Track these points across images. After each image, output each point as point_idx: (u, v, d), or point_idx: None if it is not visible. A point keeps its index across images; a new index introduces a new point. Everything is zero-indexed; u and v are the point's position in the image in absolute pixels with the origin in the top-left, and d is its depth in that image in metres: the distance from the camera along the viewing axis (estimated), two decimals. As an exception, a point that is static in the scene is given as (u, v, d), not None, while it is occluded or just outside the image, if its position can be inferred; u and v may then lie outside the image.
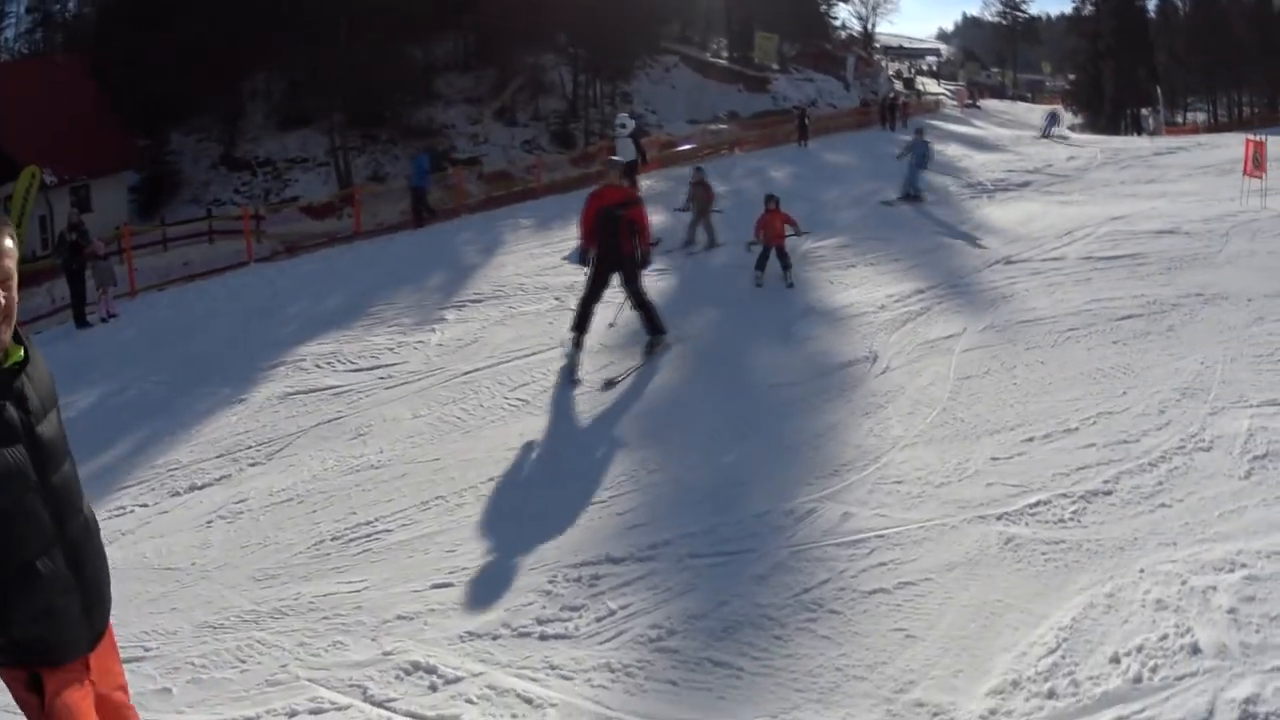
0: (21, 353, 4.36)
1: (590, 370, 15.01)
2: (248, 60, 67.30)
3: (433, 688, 7.00)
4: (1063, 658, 6.80)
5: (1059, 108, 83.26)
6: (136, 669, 7.77)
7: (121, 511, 11.63)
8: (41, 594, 4.37)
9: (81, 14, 77.89)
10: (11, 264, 4.26)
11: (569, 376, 14.66)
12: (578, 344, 15.09)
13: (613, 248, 14.92)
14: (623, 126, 34.31)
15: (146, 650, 8.11)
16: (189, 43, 61.52)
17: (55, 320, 30.26)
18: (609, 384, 14.20)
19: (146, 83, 61.48)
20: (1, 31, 77.54)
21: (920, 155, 31.43)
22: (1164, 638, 7.03)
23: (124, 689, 5.08)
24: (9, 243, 4.27)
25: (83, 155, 54.80)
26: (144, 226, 50.00)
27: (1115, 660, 6.76)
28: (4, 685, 4.65)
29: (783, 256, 20.36)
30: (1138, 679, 6.56)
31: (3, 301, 4.23)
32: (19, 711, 4.52)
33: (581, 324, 15.10)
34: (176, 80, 61.86)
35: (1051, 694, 6.41)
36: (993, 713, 6.24)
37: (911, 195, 30.44)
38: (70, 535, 4.52)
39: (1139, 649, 6.88)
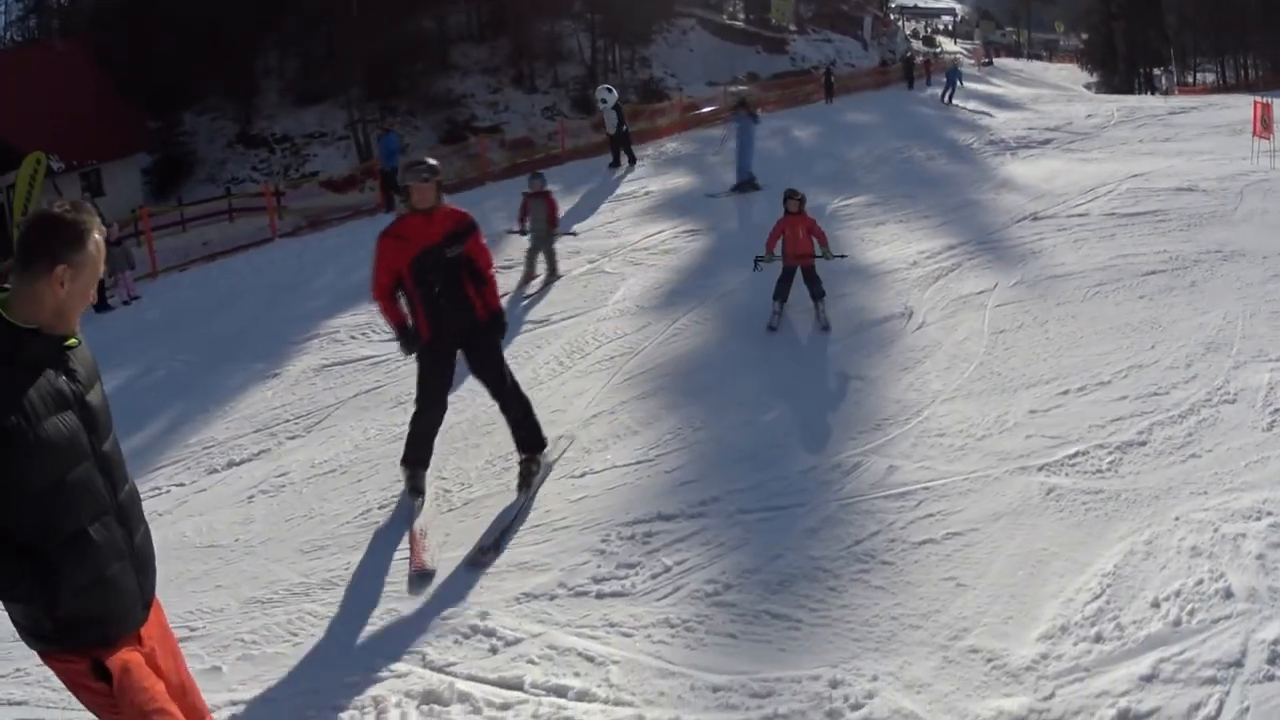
0: (75, 339, 4.56)
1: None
2: (258, 38, 67.00)
3: (493, 650, 7.07)
4: (1107, 603, 6.92)
5: (959, 58, 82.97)
6: (184, 649, 7.64)
7: (158, 492, 11.60)
8: (94, 561, 4.46)
9: None
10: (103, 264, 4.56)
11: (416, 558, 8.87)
12: (417, 485, 9.94)
13: (454, 313, 9.66)
14: (603, 101, 33.79)
15: (193, 630, 8.12)
16: (194, 23, 61.38)
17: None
18: (482, 554, 8.72)
19: (152, 64, 61.32)
20: None
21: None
22: (1199, 583, 7.18)
23: (177, 657, 5.21)
24: (101, 237, 4.52)
25: (90, 139, 54.36)
26: (162, 207, 49.84)
27: (1156, 605, 6.90)
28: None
29: (812, 281, 14.69)
30: (1177, 622, 6.69)
31: (96, 297, 4.59)
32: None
33: (421, 453, 10.05)
34: (184, 61, 61.66)
35: (1098, 638, 6.53)
36: (1044, 657, 6.35)
37: (746, 184, 26.96)
38: (120, 502, 4.66)
39: (1177, 593, 7.03)
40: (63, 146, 51.75)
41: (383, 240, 9.76)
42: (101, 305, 25.22)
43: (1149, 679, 6.09)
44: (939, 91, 47.65)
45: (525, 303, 17.63)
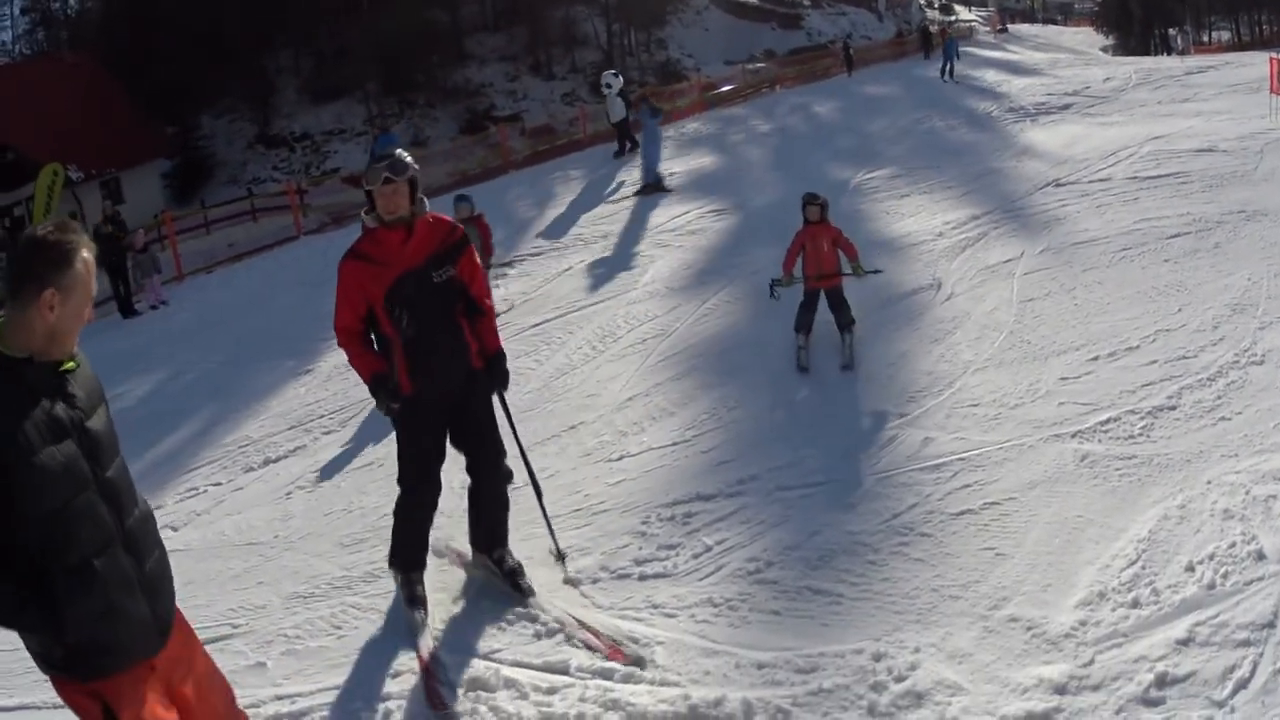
0: (73, 363, 4.45)
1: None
2: (268, 38, 67.08)
3: (537, 635, 7.07)
4: (1143, 568, 6.97)
5: (964, 26, 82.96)
6: (226, 646, 7.85)
7: (194, 492, 11.69)
8: (100, 592, 4.34)
9: (85, 9, 77.33)
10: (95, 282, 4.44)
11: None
12: (415, 594, 7.68)
13: (445, 359, 7.52)
14: (608, 86, 32.77)
15: (235, 627, 8.17)
16: (200, 26, 61.55)
17: (99, 312, 30.30)
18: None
19: (163, 70, 61.32)
20: None
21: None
22: (1232, 545, 7.24)
23: (209, 676, 5.08)
24: (92, 259, 4.41)
25: (108, 148, 54.55)
26: (184, 211, 49.94)
27: (1190, 569, 6.95)
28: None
29: (839, 307, 12.56)
30: (1211, 585, 6.75)
31: (93, 317, 4.50)
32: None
33: (415, 552, 7.84)
34: (194, 65, 61.77)
35: (1135, 603, 6.58)
36: (1083, 624, 6.40)
37: (654, 185, 25.10)
38: (129, 529, 4.53)
39: (1211, 557, 7.08)
40: (80, 156, 51.98)
41: (346, 264, 7.38)
42: (129, 311, 25.50)
43: (1185, 643, 6.15)
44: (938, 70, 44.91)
45: (546, 288, 17.59)
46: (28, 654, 4.43)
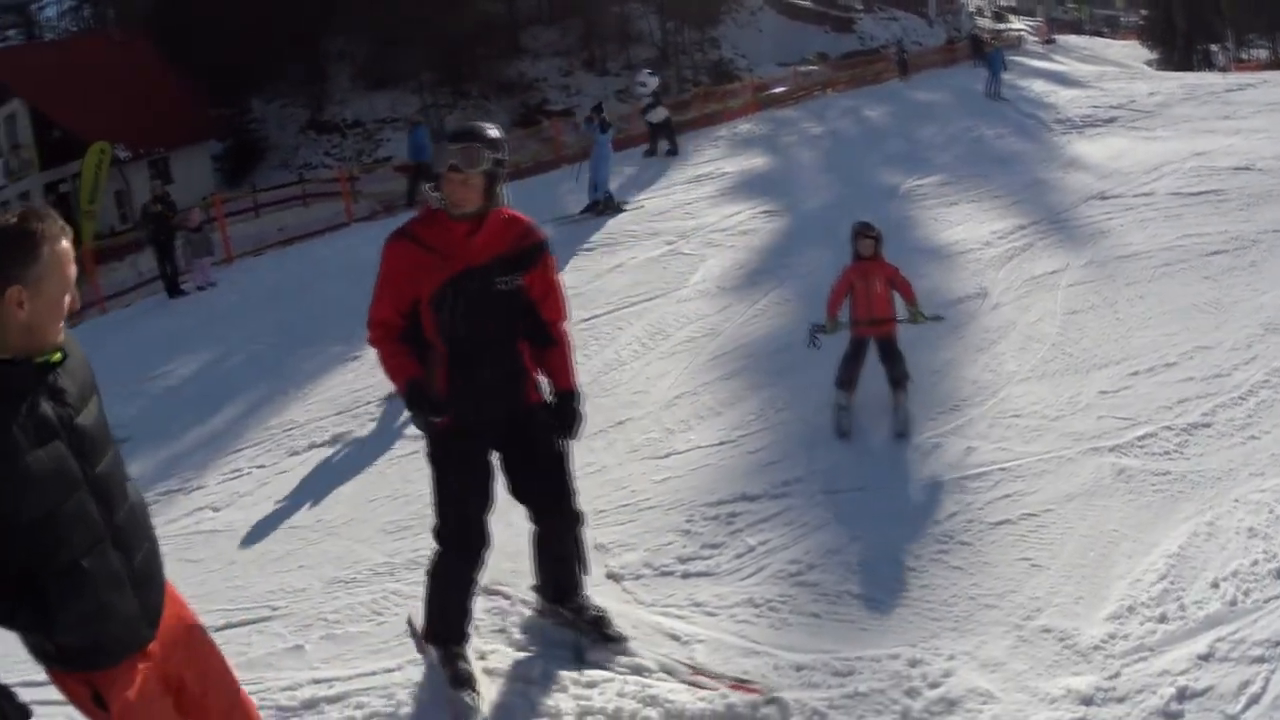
0: (59, 354, 4.18)
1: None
2: (323, 23, 67.10)
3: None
4: (1171, 584, 7.02)
5: (1019, 35, 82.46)
6: (265, 628, 7.96)
7: (238, 474, 11.86)
8: (90, 594, 4.22)
9: None
10: (74, 268, 4.18)
11: None
12: (460, 672, 6.44)
13: (494, 388, 6.30)
14: (643, 85, 32.00)
15: (274, 609, 8.23)
16: (255, 9, 61.63)
17: (145, 292, 30.30)
18: None
19: (215, 52, 61.28)
20: (42, 10, 77.20)
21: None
22: (1254, 563, 7.29)
23: (207, 658, 4.96)
24: (67, 244, 4.13)
25: (157, 128, 54.56)
26: (234, 193, 50.00)
27: (1215, 585, 7.00)
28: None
29: (892, 359, 10.73)
30: (1233, 602, 6.80)
31: (77, 305, 4.21)
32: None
33: (457, 621, 6.57)
34: (248, 48, 61.83)
35: (1162, 618, 6.64)
36: (1111, 637, 6.46)
37: (601, 203, 23.96)
38: (118, 524, 4.36)
39: (1234, 574, 7.13)
40: (128, 135, 52.18)
41: (395, 244, 6.20)
42: (175, 291, 25.63)
43: (1206, 658, 6.21)
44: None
45: (596, 283, 17.60)
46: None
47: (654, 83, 31.92)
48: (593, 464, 10.13)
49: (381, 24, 66.10)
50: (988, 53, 43.67)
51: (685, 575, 7.89)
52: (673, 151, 31.16)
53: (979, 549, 7.71)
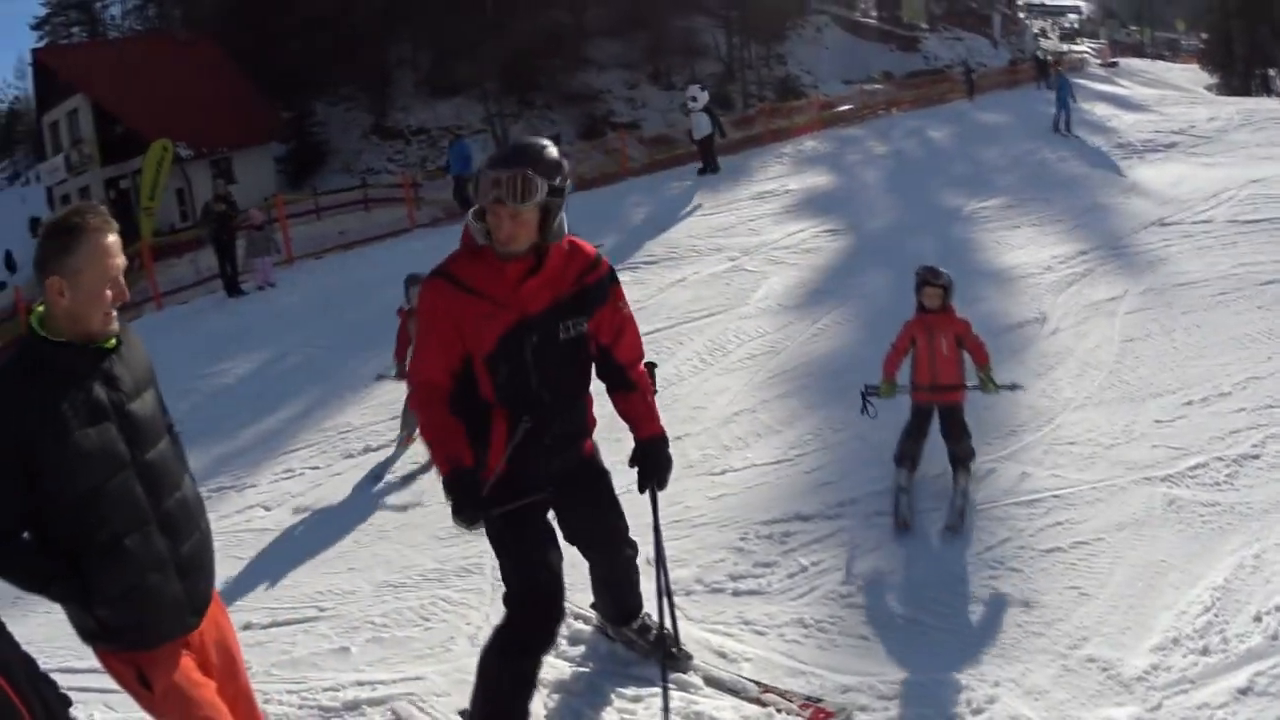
0: (114, 340, 4.44)
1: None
2: (389, 29, 67.22)
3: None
4: (1215, 616, 6.96)
5: (1086, 58, 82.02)
6: (311, 629, 8.06)
7: (290, 474, 11.98)
8: (129, 570, 4.38)
9: None
10: (122, 258, 4.38)
11: None
12: None
13: (562, 444, 5.73)
14: (694, 100, 31.23)
15: (321, 610, 8.34)
16: (322, 13, 61.82)
17: (203, 290, 30.31)
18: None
19: (280, 55, 61.74)
20: (106, 9, 78.03)
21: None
22: (1296, 598, 7.22)
23: (234, 660, 5.07)
24: (111, 239, 4.34)
25: (220, 128, 55.08)
26: (296, 195, 50.06)
27: (1258, 619, 6.93)
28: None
29: (956, 433, 9.27)
30: (1275, 636, 6.73)
31: (124, 297, 4.40)
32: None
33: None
34: (313, 51, 62.15)
35: (1205, 650, 6.59)
36: (1154, 668, 6.42)
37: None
38: (166, 511, 4.53)
39: (1277, 608, 7.04)
40: (191, 134, 52.79)
41: (437, 288, 5.37)
42: (234, 291, 25.75)
43: (1244, 692, 6.18)
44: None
45: (659, 297, 17.54)
46: (59, 623, 4.60)
47: (704, 98, 31.48)
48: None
49: (446, 31, 66.26)
50: (1052, 75, 43.11)
51: (736, 593, 7.91)
52: (710, 169, 30.96)
53: (1029, 576, 7.68)
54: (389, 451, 12.09)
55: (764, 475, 10.19)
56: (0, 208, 67.21)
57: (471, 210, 5.35)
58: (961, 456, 9.15)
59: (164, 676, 4.54)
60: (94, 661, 6.83)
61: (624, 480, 6.11)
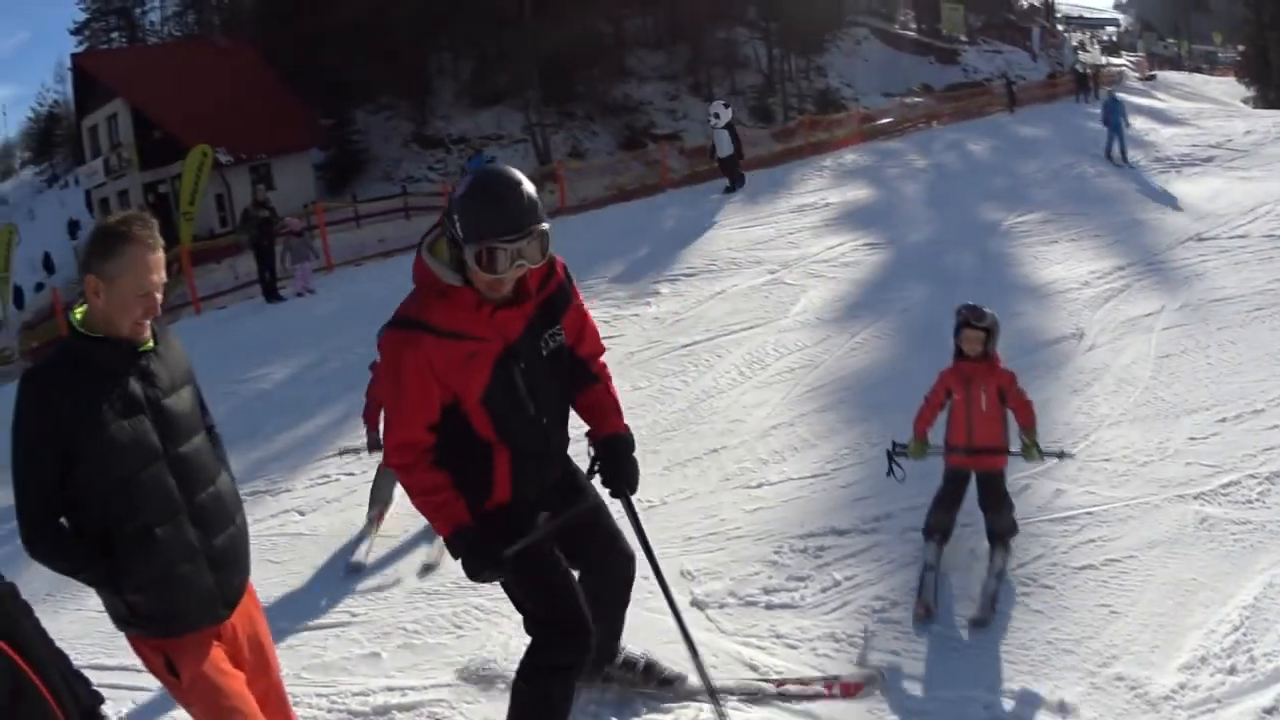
0: (151, 342, 4.65)
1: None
2: (429, 38, 67.46)
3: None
4: (1244, 635, 6.91)
5: (1125, 72, 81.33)
6: (343, 633, 8.17)
7: (326, 479, 12.05)
8: (159, 559, 4.54)
9: None
10: (159, 274, 4.57)
11: None
12: None
13: (557, 459, 5.66)
14: (716, 116, 31.05)
15: (354, 616, 8.45)
16: (362, 21, 62.07)
17: (242, 295, 30.89)
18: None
19: (320, 62, 62.14)
20: (145, 14, 78.64)
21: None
22: (1324, 616, 7.15)
23: (265, 653, 5.18)
24: (157, 255, 4.54)
25: (259, 134, 55.64)
26: (335, 203, 50.40)
27: (1285, 638, 6.89)
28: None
29: (995, 502, 8.14)
30: (1302, 656, 6.68)
31: (158, 311, 4.62)
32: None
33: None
34: (353, 59, 62.29)
35: (1232, 670, 6.55)
36: (1182, 687, 6.39)
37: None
38: (199, 504, 4.70)
39: (1306, 627, 6.99)
40: (229, 140, 53.31)
41: (402, 339, 5.09)
42: (272, 297, 26.17)
43: (1270, 711, 6.14)
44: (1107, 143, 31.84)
45: (697, 309, 17.44)
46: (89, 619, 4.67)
47: (727, 115, 31.28)
48: (684, 491, 10.31)
49: (485, 40, 66.45)
50: (1093, 90, 42.56)
51: (769, 606, 7.94)
52: (736, 186, 30.76)
53: (1060, 593, 7.65)
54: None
55: (800, 489, 10.18)
56: (39, 210, 68.32)
57: (425, 244, 5.24)
58: (1000, 531, 8.06)
59: (192, 665, 4.68)
60: (124, 659, 6.91)
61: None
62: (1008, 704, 6.40)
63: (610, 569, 5.92)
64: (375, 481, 10.38)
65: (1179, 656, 6.73)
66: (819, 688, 6.65)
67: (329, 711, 7.06)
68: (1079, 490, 9.38)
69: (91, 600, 8.13)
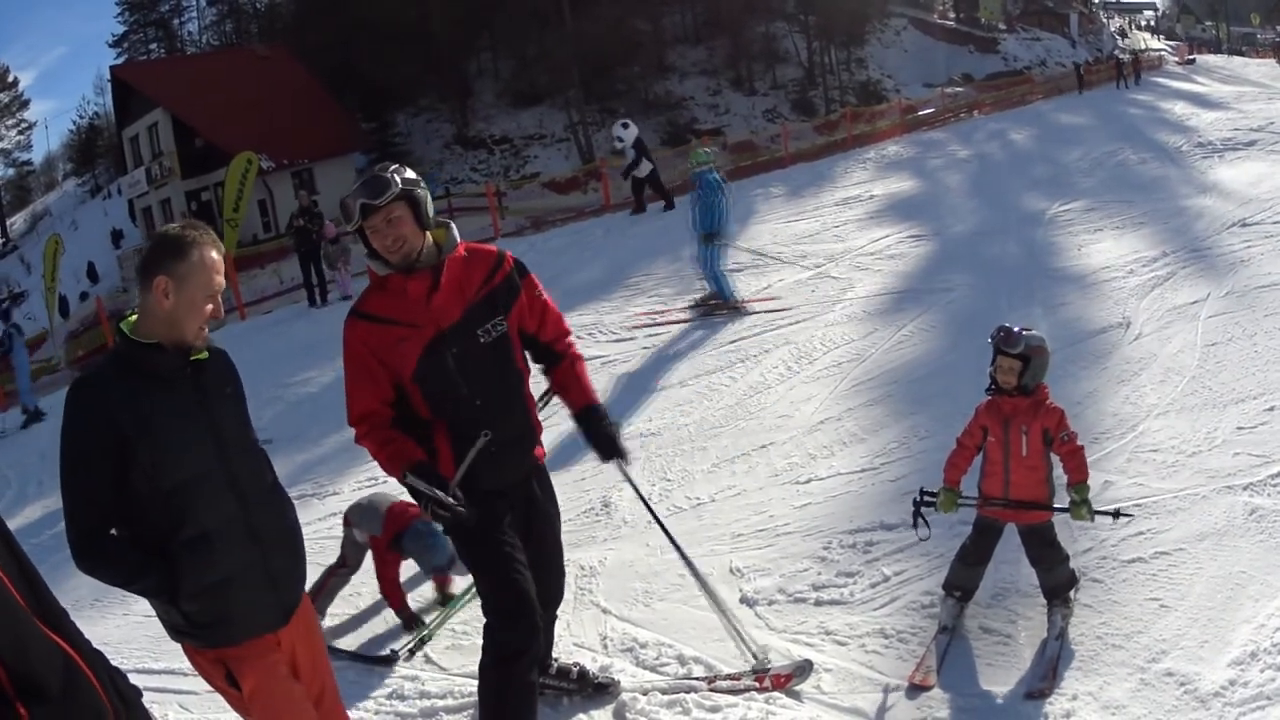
0: (206, 353, 4.67)
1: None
2: (469, 40, 68.13)
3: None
4: (1294, 630, 6.79)
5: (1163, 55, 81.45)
6: (390, 634, 8.29)
7: (374, 482, 11.90)
8: (216, 567, 4.54)
9: (275, 2, 79.75)
10: (222, 278, 4.64)
11: None
12: None
13: (514, 447, 5.78)
14: (620, 140, 29.12)
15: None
16: (401, 25, 62.63)
17: (287, 300, 30.99)
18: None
19: (360, 67, 62.87)
20: (183, 25, 79.72)
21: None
22: (1373, 609, 7.02)
23: (320, 660, 5.18)
24: (218, 256, 4.61)
25: (300, 139, 56.36)
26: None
27: (1336, 633, 6.76)
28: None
29: (1043, 553, 7.14)
30: (1352, 651, 6.55)
31: (221, 314, 4.71)
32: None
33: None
34: (393, 63, 62.94)
35: (1282, 666, 6.45)
36: (1232, 683, 6.30)
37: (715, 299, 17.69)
38: (253, 509, 4.70)
39: (1354, 622, 6.86)
40: (271, 146, 54.03)
41: (352, 328, 5.67)
42: (316, 301, 26.52)
43: (1322, 709, 6.00)
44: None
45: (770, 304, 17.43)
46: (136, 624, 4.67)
47: (630, 134, 29.17)
48: (733, 487, 10.31)
49: (526, 41, 66.57)
50: (1130, 74, 42.57)
51: (818, 603, 7.95)
52: (669, 206, 28.95)
53: (1110, 587, 7.58)
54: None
55: (849, 484, 10.14)
56: (83, 221, 68.88)
57: (368, 254, 5.66)
58: (1054, 585, 7.08)
59: (252, 675, 4.68)
60: (169, 662, 6.92)
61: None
62: (1056, 700, 6.33)
63: (542, 581, 5.90)
64: (344, 536, 8.94)
65: (1229, 652, 6.62)
66: (750, 681, 6.72)
67: (375, 714, 7.12)
68: (1128, 482, 9.28)
69: (138, 605, 8.21)
